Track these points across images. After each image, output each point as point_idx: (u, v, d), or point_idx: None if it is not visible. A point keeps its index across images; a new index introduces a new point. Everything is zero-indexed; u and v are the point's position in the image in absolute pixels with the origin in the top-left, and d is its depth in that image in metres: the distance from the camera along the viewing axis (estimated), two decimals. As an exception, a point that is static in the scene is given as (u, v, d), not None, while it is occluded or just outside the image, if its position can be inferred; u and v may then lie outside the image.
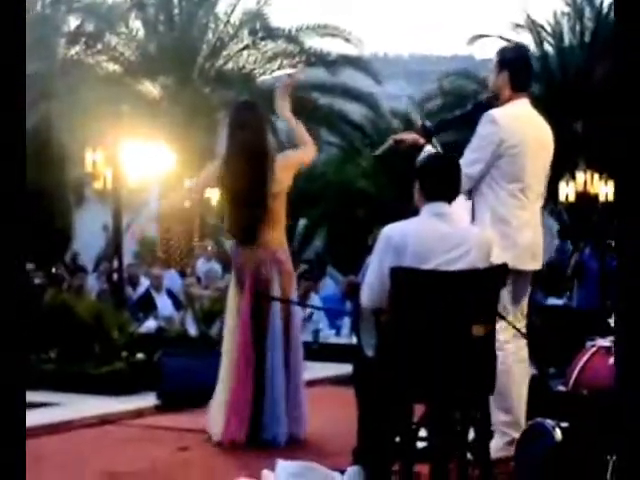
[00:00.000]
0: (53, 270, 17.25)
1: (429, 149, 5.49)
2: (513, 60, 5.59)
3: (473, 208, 5.50)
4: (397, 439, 4.63)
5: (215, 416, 6.58)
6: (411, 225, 4.73)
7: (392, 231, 4.68)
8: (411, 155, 5.51)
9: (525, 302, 5.65)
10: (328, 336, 11.82)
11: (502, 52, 5.66)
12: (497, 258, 4.88)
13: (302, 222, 25.23)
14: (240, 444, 6.44)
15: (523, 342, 5.51)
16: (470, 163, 5.35)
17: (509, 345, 5.42)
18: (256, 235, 6.57)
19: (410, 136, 5.62)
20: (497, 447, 5.20)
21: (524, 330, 5.54)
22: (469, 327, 4.52)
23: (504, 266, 4.67)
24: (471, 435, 4.73)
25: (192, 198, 7.51)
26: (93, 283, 15.30)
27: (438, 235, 4.63)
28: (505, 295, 5.29)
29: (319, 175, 27.02)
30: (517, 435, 5.15)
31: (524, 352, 5.56)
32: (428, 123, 5.82)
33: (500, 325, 5.09)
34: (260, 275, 6.59)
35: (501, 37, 21.96)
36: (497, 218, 5.41)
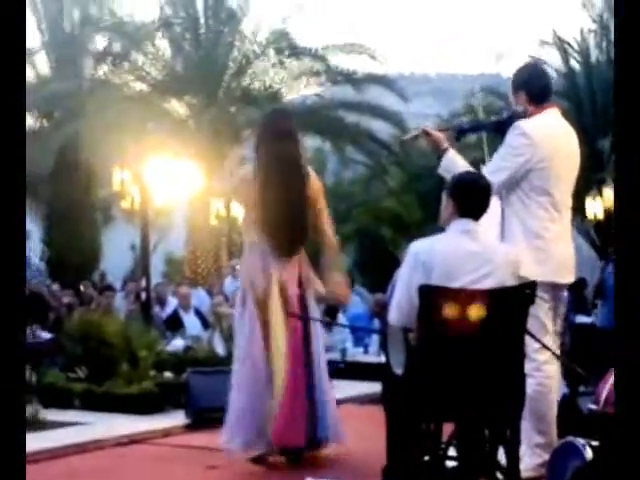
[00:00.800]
0: (82, 289, 17.32)
1: (451, 154, 5.48)
2: (526, 78, 5.64)
3: (503, 222, 5.49)
4: (426, 458, 4.61)
5: (262, 430, 6.45)
6: (438, 242, 4.72)
7: (420, 248, 4.68)
8: (441, 176, 5.51)
9: (560, 320, 5.60)
10: (355, 354, 11.79)
11: (515, 73, 5.71)
12: (532, 272, 4.86)
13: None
14: (295, 451, 6.46)
15: (557, 363, 5.46)
16: (495, 170, 5.36)
17: (548, 366, 5.36)
18: (300, 247, 6.60)
19: (438, 135, 5.61)
20: (529, 468, 5.17)
21: (558, 351, 5.48)
22: (497, 345, 4.50)
23: (533, 283, 4.65)
24: (501, 454, 4.70)
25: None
26: (120, 302, 15.33)
27: (466, 253, 4.62)
28: (544, 313, 5.26)
29: (346, 193, 27.10)
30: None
31: (559, 373, 5.51)
32: (465, 125, 5.85)
33: (538, 345, 5.06)
34: (302, 292, 6.61)
35: (530, 55, 21.96)
36: (529, 232, 5.38)
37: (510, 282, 4.63)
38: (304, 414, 6.45)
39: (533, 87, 5.58)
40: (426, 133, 5.67)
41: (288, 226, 6.52)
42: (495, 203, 5.33)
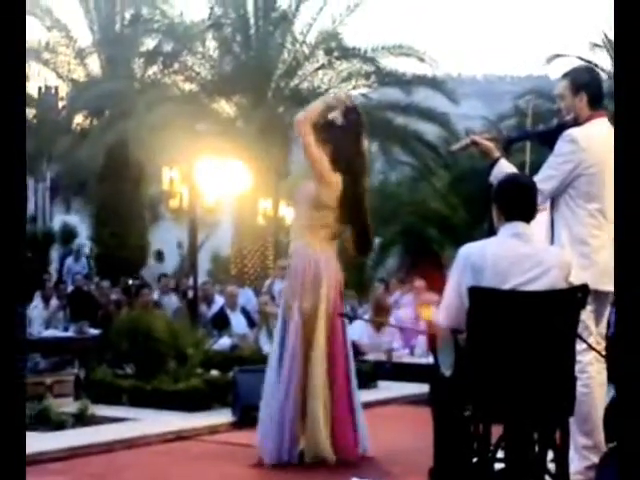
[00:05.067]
0: (130, 282, 17.46)
1: (503, 163, 5.47)
2: (589, 81, 5.59)
3: (552, 227, 5.48)
4: (474, 460, 4.61)
5: (318, 436, 6.46)
6: (489, 245, 4.72)
7: (470, 251, 4.68)
8: (487, 177, 5.51)
9: (604, 324, 5.58)
10: (401, 356, 11.79)
11: (575, 74, 5.65)
12: (576, 277, 4.85)
13: (376, 240, 25.22)
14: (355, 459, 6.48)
15: (603, 365, 5.43)
16: (545, 179, 5.36)
17: (592, 367, 5.35)
18: None
19: (487, 143, 5.61)
20: (576, 471, 5.14)
21: (604, 353, 5.46)
22: (548, 348, 4.50)
23: (585, 287, 4.64)
24: (549, 457, 4.69)
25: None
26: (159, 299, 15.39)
27: (517, 255, 4.61)
28: (587, 315, 5.24)
29: (392, 194, 27.01)
30: (597, 459, 5.10)
31: (604, 375, 5.48)
32: (513, 135, 5.85)
33: (582, 347, 5.05)
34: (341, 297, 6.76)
35: (579, 57, 21.79)
36: (575, 238, 5.38)
37: (561, 285, 4.62)
38: (353, 424, 6.53)
39: (595, 90, 5.54)
40: (474, 143, 5.67)
41: (369, 228, 6.82)
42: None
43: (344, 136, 6.67)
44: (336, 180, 6.57)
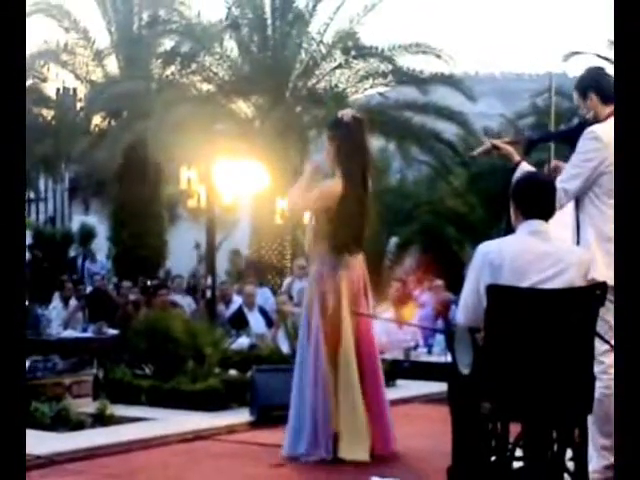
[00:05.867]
0: (148, 282, 17.50)
1: (524, 167, 5.46)
2: (593, 80, 5.59)
3: (578, 225, 5.46)
4: (493, 458, 4.59)
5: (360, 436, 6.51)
6: (507, 243, 4.71)
7: (489, 248, 4.67)
8: (505, 176, 5.50)
9: None
10: (419, 354, 11.78)
11: (579, 81, 5.68)
12: (601, 275, 4.82)
13: (393, 240, 25.18)
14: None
15: None
16: (569, 178, 5.35)
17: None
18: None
19: (508, 147, 5.64)
20: (595, 470, 5.12)
21: None
22: (566, 346, 4.48)
23: (603, 284, 4.62)
24: (568, 456, 4.67)
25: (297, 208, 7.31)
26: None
27: (535, 253, 4.60)
28: (612, 316, 5.21)
29: (410, 193, 26.99)
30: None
31: None
32: (534, 136, 5.84)
33: (604, 347, 5.02)
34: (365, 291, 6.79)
35: (597, 54, 21.68)
36: (601, 236, 5.35)
37: (579, 283, 4.60)
38: (387, 421, 6.62)
39: (603, 86, 5.53)
40: (495, 147, 5.68)
41: (363, 225, 6.75)
42: (568, 205, 5.32)
43: (349, 133, 6.70)
44: (337, 189, 6.62)
